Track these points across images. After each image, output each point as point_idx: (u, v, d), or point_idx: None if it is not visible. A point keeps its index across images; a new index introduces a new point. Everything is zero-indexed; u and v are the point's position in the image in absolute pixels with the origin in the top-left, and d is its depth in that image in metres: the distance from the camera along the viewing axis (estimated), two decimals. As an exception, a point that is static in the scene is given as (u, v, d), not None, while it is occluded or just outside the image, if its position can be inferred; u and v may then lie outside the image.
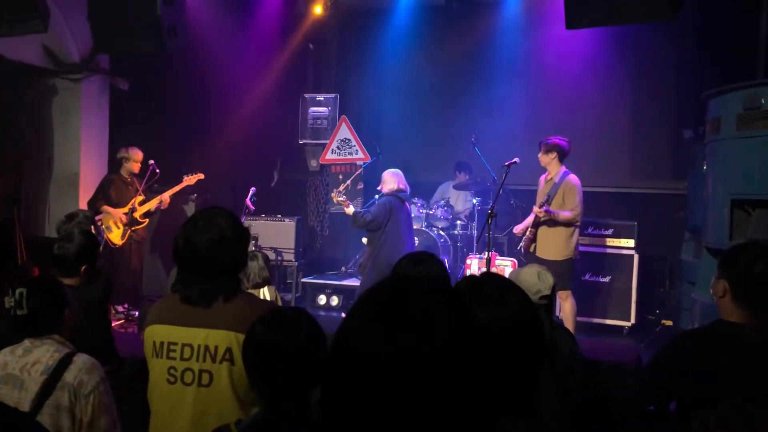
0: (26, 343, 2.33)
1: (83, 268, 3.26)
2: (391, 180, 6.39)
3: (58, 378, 2.22)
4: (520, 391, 1.42)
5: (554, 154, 5.88)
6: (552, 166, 5.92)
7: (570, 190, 5.75)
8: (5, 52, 6.58)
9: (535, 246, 5.92)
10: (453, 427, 0.86)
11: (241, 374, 2.07)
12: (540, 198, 5.97)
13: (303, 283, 7.98)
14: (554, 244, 5.79)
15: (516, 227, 6.24)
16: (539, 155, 5.96)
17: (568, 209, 5.74)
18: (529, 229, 5.90)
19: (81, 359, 2.29)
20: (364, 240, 6.61)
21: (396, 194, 6.30)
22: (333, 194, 6.36)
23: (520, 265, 6.50)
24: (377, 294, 0.95)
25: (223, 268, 2.19)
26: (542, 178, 6.13)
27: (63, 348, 2.32)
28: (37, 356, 2.28)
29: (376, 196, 6.61)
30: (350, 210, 6.17)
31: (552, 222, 5.80)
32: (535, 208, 5.81)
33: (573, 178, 5.84)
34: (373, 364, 0.87)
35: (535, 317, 1.52)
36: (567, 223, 5.76)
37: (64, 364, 2.25)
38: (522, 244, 6.06)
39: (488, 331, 1.35)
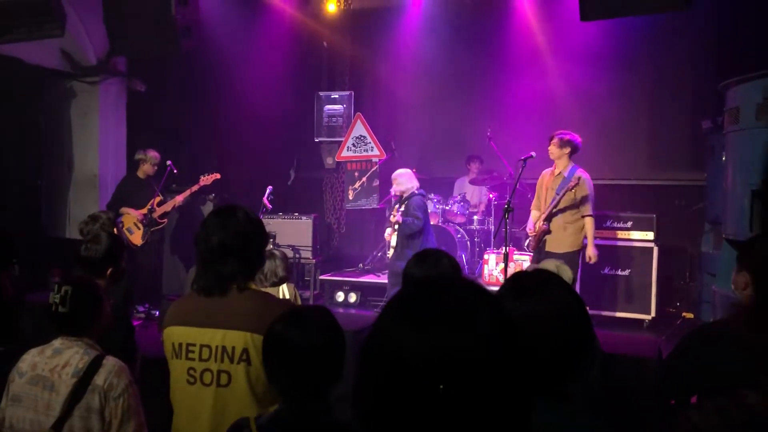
0: (56, 344, 2.35)
1: (109, 270, 3.28)
2: (410, 179, 6.37)
3: (89, 381, 2.24)
4: (561, 376, 1.43)
5: (568, 149, 5.84)
6: (562, 161, 5.88)
7: (582, 184, 5.72)
8: (24, 56, 6.67)
9: (545, 241, 5.90)
10: (488, 420, 0.87)
11: (258, 374, 2.09)
12: (544, 193, 5.95)
13: (321, 280, 8.01)
14: (565, 237, 5.78)
15: (528, 227, 6.18)
16: (551, 147, 5.90)
17: (582, 211, 5.76)
18: (543, 222, 5.87)
19: (110, 362, 2.31)
20: (393, 241, 6.48)
21: (422, 192, 6.33)
22: (394, 210, 6.33)
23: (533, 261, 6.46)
24: (410, 292, 0.96)
25: (237, 255, 2.22)
26: (547, 171, 6.08)
27: (92, 351, 2.34)
28: (67, 358, 2.30)
29: (406, 194, 6.46)
30: (400, 220, 6.17)
31: (563, 216, 5.78)
32: (591, 250, 5.87)
33: (583, 172, 5.79)
34: (407, 360, 0.88)
35: (582, 309, 1.52)
36: (581, 216, 5.77)
37: (94, 367, 2.27)
38: (531, 239, 6.05)
39: (535, 322, 1.37)
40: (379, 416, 0.91)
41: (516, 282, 1.55)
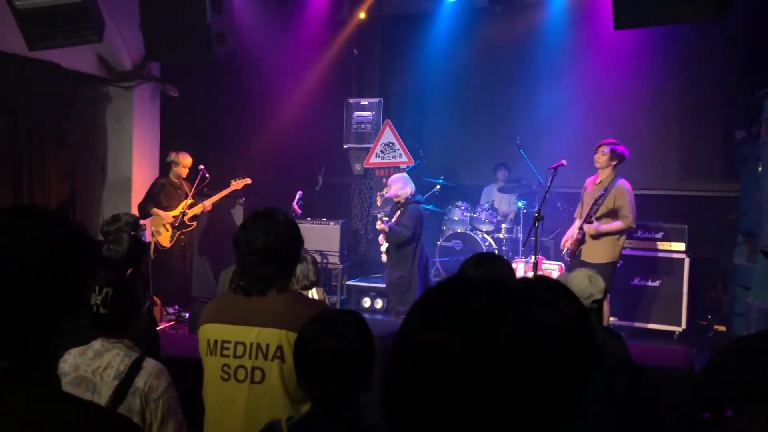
0: (96, 345, 2.38)
1: (129, 270, 3.33)
2: (407, 185, 6.31)
3: (130, 383, 2.27)
4: (568, 393, 1.42)
5: (616, 161, 5.71)
6: (607, 171, 5.74)
7: (621, 195, 5.59)
8: (61, 61, 6.82)
9: (581, 249, 5.82)
10: (512, 421, 0.87)
11: (291, 372, 2.11)
12: (587, 202, 5.86)
13: (347, 285, 8.03)
14: (601, 247, 5.67)
15: (564, 240, 6.08)
16: (597, 156, 5.74)
17: (618, 218, 5.62)
18: (578, 231, 5.78)
19: (150, 364, 2.34)
20: (384, 255, 6.42)
21: (417, 201, 6.28)
22: (379, 216, 6.29)
23: (567, 269, 6.41)
24: (438, 294, 0.96)
25: (278, 256, 2.27)
26: (589, 181, 5.97)
27: (132, 353, 2.37)
28: (108, 360, 2.33)
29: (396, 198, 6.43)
30: (385, 227, 6.13)
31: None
32: (586, 226, 5.63)
33: (625, 183, 5.66)
34: (434, 361, 0.88)
35: (588, 321, 1.51)
36: (619, 230, 5.65)
37: (134, 369, 2.30)
38: (568, 247, 5.93)
39: (540, 333, 1.37)
40: (405, 417, 0.91)
41: (525, 290, 1.54)
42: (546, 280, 1.64)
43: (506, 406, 0.87)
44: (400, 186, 6.32)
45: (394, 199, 6.40)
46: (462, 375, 0.86)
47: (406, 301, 6.12)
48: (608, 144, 5.75)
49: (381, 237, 6.43)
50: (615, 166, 5.73)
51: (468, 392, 0.86)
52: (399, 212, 6.28)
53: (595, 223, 5.57)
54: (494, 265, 2.54)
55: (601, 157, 5.74)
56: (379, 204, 7.82)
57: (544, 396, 0.92)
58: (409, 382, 0.90)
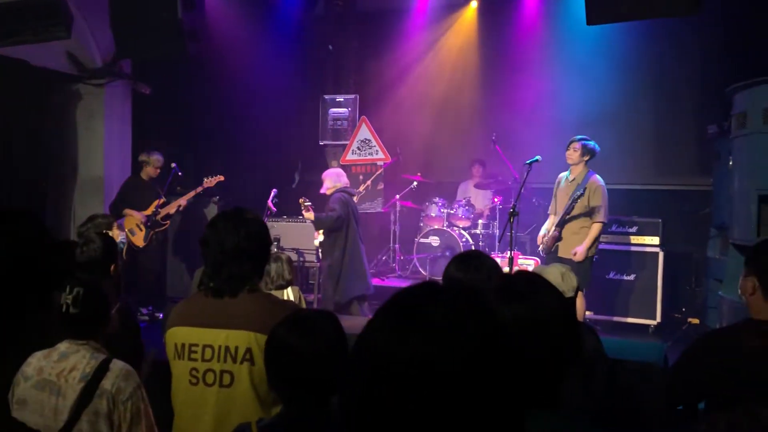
0: (62, 347, 2.33)
1: (112, 267, 3.29)
2: (336, 177, 6.31)
3: (96, 385, 2.22)
4: (549, 384, 1.42)
5: (588, 156, 5.78)
6: (579, 167, 5.81)
7: (595, 191, 5.65)
8: (30, 58, 6.69)
9: (557, 246, 5.85)
10: (477, 428, 0.85)
11: (261, 374, 2.08)
12: (561, 198, 5.90)
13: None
14: (578, 243, 5.71)
15: (540, 236, 6.11)
16: (569, 152, 5.81)
17: (592, 216, 5.67)
18: (554, 228, 5.82)
19: (117, 366, 2.29)
20: (317, 242, 6.35)
21: (345, 190, 6.25)
22: (301, 200, 6.15)
23: (542, 264, 6.44)
24: (401, 298, 0.94)
25: (250, 256, 2.24)
26: (562, 176, 6.02)
27: (99, 354, 2.32)
28: (73, 362, 2.28)
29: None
30: (310, 215, 6.05)
31: (577, 222, 5.73)
32: (577, 252, 5.65)
33: (598, 179, 5.72)
34: (389, 367, 0.86)
35: (568, 313, 1.51)
36: (593, 222, 5.70)
37: (101, 371, 2.25)
38: (544, 244, 5.97)
39: (520, 327, 1.36)
40: (360, 424, 0.89)
41: (506, 285, 1.54)
42: (527, 274, 1.64)
43: (460, 418, 0.85)
44: (333, 180, 6.31)
45: (327, 193, 6.38)
46: (413, 385, 0.84)
47: (339, 290, 6.07)
48: (579, 140, 5.81)
49: (315, 234, 6.38)
50: (587, 161, 5.79)
51: (429, 399, 0.84)
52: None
53: (579, 249, 5.61)
54: (479, 265, 2.50)
55: (573, 153, 5.80)
56: (356, 201, 7.80)
57: (516, 394, 0.90)
58: (362, 389, 0.88)
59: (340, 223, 6.00)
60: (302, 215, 6.19)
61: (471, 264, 2.50)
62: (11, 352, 2.31)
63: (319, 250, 6.51)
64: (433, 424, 0.84)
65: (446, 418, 0.84)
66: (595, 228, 5.70)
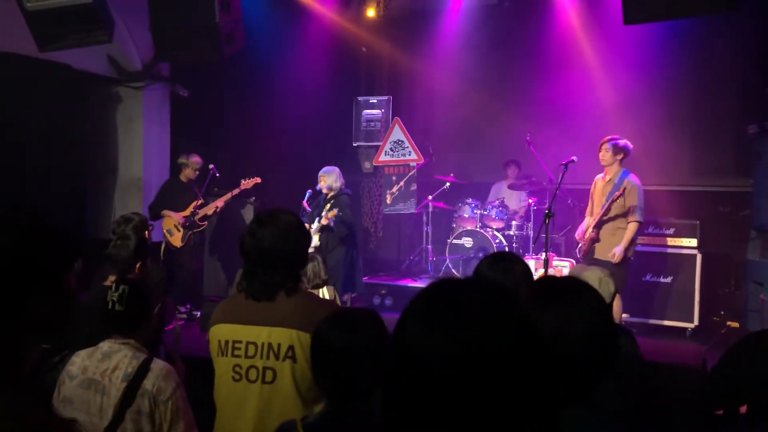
0: (104, 347, 2.39)
1: (138, 265, 3.36)
2: (338, 178, 6.47)
3: (139, 385, 2.28)
4: (584, 385, 1.43)
5: (621, 155, 5.73)
6: (613, 167, 5.77)
7: (631, 191, 5.60)
8: (71, 61, 6.84)
9: (594, 247, 5.81)
10: (511, 423, 0.87)
11: (303, 371, 2.11)
12: (598, 200, 5.85)
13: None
14: (613, 244, 5.66)
15: (577, 233, 6.09)
16: (602, 154, 5.78)
17: (629, 216, 5.62)
18: (591, 230, 5.78)
19: (158, 366, 2.35)
20: (316, 240, 6.39)
21: (345, 191, 6.41)
22: (332, 212, 6.24)
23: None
24: (432, 293, 0.96)
25: (285, 262, 2.26)
26: (599, 178, 5.99)
27: (140, 354, 2.37)
28: (116, 362, 2.34)
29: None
30: (331, 223, 6.20)
31: (614, 223, 5.68)
32: (613, 257, 5.62)
33: (634, 178, 5.68)
34: (425, 363, 0.88)
35: (606, 321, 1.52)
36: (629, 223, 5.65)
37: (142, 371, 2.31)
38: (581, 246, 5.93)
39: (559, 328, 1.37)
40: (400, 415, 0.91)
41: (541, 288, 1.55)
42: (564, 279, 1.66)
43: (507, 407, 0.86)
44: (334, 179, 6.43)
45: (327, 192, 6.41)
46: (459, 379, 0.86)
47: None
48: (609, 140, 5.77)
49: (316, 236, 6.46)
50: (621, 160, 5.75)
51: (466, 395, 0.85)
52: (330, 203, 6.32)
53: (617, 250, 5.57)
54: (510, 266, 2.51)
55: (605, 154, 5.77)
56: (388, 202, 7.83)
57: (550, 389, 0.92)
58: (401, 383, 0.90)
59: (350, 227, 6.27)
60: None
61: (499, 267, 2.51)
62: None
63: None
64: (472, 414, 0.85)
65: (484, 408, 0.85)
66: (632, 228, 5.64)
